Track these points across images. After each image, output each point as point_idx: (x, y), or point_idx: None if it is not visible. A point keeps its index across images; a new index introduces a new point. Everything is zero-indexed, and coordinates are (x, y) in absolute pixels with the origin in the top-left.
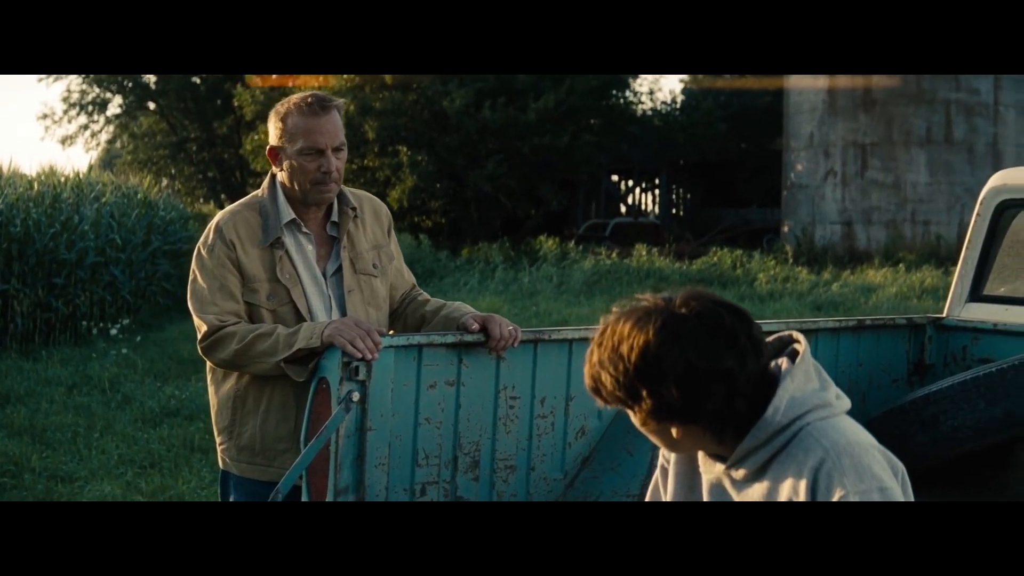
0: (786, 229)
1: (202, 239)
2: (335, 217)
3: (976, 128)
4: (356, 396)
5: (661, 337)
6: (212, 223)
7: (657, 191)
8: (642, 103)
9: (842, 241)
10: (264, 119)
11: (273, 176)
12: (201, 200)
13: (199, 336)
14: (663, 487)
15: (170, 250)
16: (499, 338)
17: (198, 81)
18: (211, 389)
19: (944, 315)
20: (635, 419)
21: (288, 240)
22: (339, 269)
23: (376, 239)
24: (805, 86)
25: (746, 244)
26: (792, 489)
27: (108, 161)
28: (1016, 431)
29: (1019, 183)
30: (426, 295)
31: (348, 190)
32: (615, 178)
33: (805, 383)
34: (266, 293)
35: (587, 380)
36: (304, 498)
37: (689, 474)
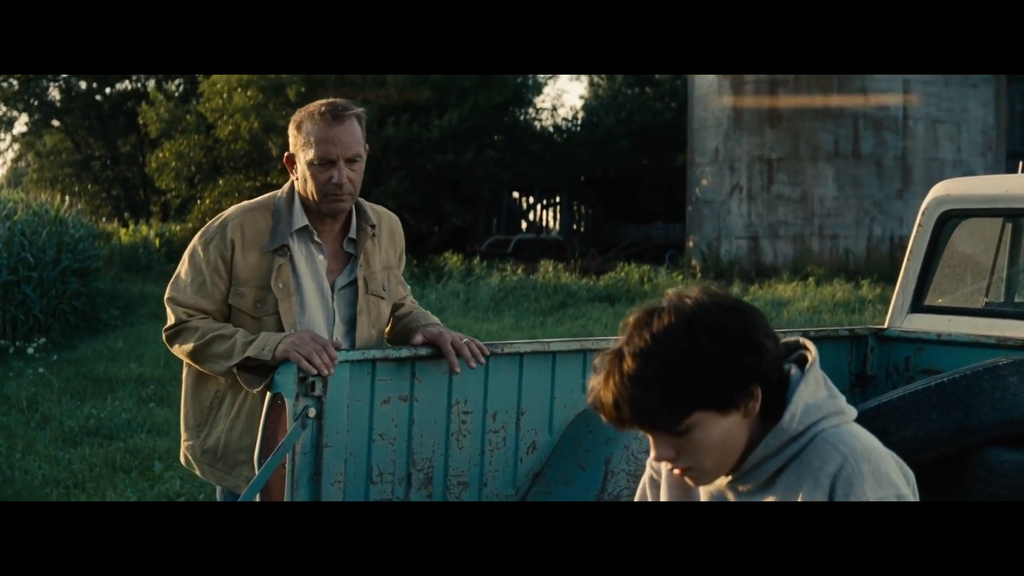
0: (691, 244)
1: (205, 227)
2: (352, 233)
3: (885, 142)
4: (312, 412)
5: (687, 314)
6: (222, 214)
7: (558, 207)
8: (542, 120)
9: (748, 256)
10: (169, 137)
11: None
12: (104, 219)
13: (166, 324)
14: (652, 500)
15: (79, 268)
16: (451, 353)
17: (101, 99)
18: (187, 382)
19: (886, 326)
20: (665, 439)
21: (296, 247)
22: (348, 284)
23: (388, 260)
24: (710, 101)
25: (650, 260)
26: (807, 497)
27: (15, 179)
28: (969, 441)
29: (961, 193)
30: (406, 297)
31: (368, 205)
32: (516, 195)
33: (816, 390)
34: (253, 299)
35: (616, 392)
36: None
37: (683, 485)
